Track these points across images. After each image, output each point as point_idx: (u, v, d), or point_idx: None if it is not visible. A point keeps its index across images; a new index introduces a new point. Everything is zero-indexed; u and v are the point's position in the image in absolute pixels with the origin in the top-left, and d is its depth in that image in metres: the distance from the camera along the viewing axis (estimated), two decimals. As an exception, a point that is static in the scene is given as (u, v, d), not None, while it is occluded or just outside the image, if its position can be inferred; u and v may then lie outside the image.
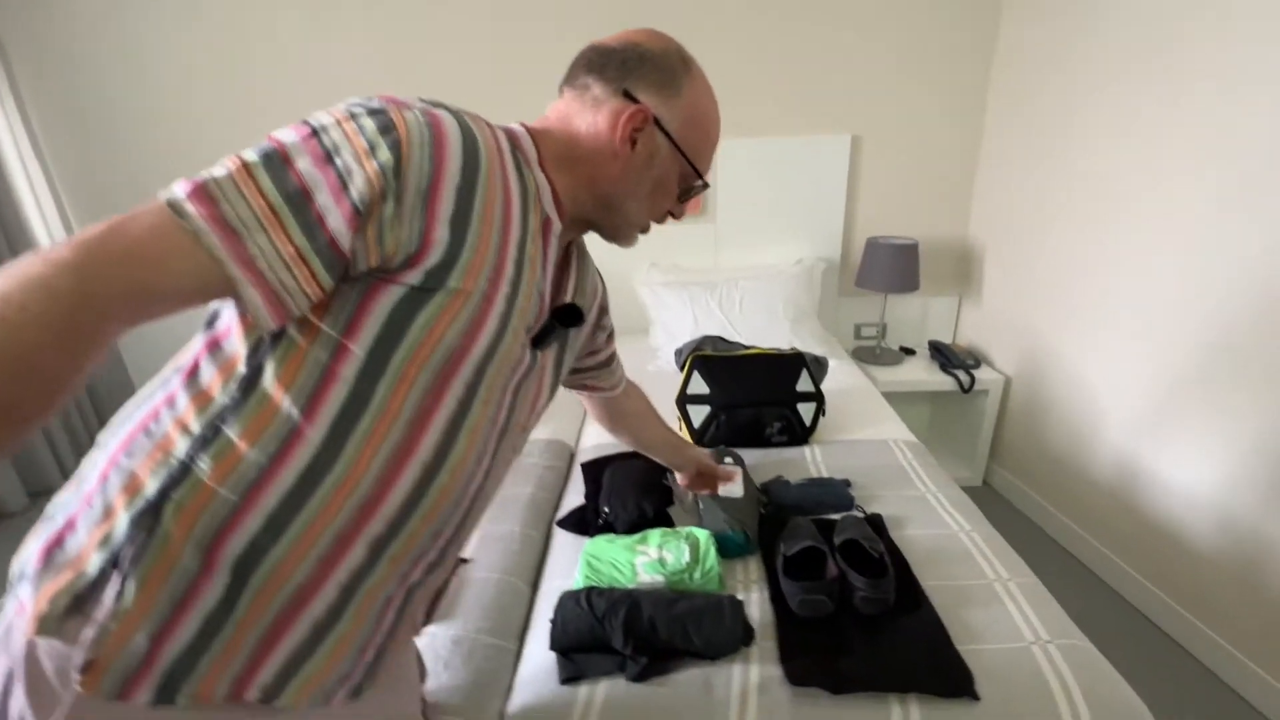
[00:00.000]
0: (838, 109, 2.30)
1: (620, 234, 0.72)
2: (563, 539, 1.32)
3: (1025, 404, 2.21)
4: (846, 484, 1.42)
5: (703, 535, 1.16)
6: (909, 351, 2.50)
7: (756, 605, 1.09)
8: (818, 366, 1.71)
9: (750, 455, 1.57)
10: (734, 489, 1.31)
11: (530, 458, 1.63)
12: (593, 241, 0.76)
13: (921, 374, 2.33)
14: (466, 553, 1.25)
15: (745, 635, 0.97)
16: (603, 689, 0.94)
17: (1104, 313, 1.86)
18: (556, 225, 0.64)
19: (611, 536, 1.20)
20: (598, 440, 1.71)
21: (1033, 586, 1.11)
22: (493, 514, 1.37)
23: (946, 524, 1.29)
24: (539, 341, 0.64)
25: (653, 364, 2.17)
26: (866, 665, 0.94)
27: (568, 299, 0.70)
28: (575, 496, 1.45)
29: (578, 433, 1.85)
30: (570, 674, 0.95)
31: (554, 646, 0.99)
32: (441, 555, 0.64)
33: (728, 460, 1.41)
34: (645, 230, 0.73)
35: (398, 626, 0.64)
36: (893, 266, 2.24)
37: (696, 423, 1.63)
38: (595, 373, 0.96)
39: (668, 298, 2.30)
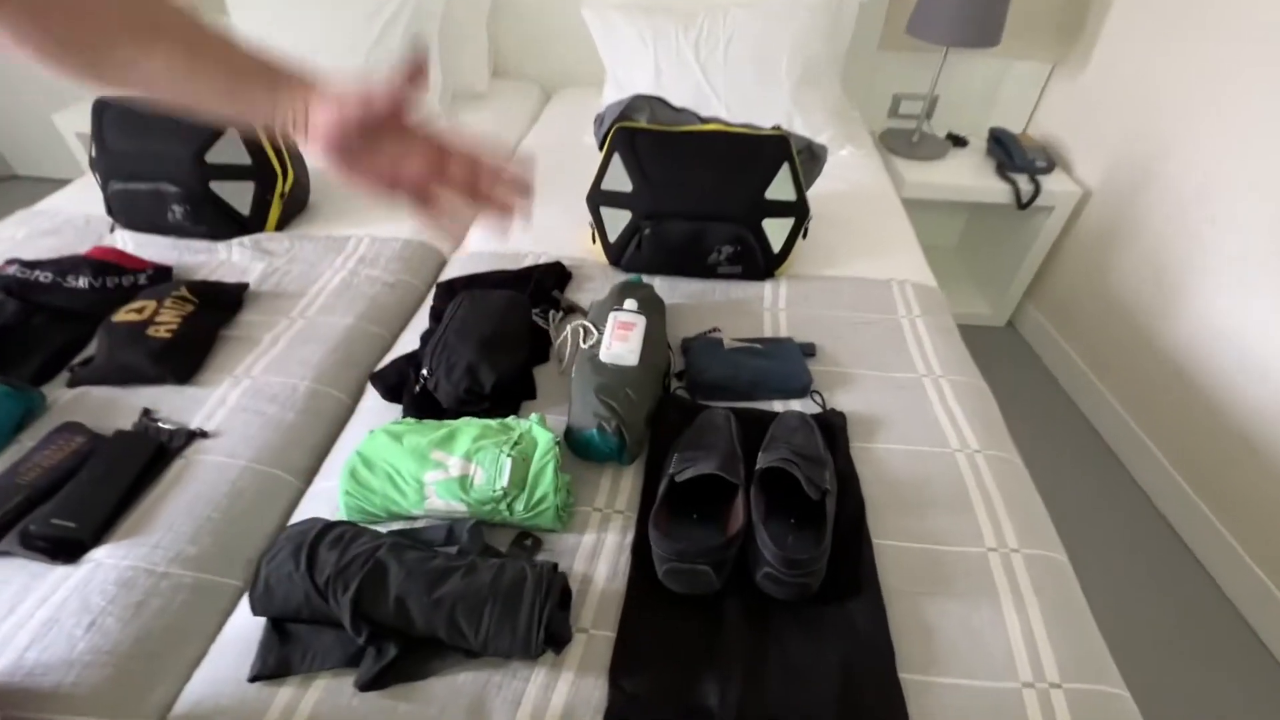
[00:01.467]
0: None
1: None
2: (373, 406, 0.90)
3: (1099, 231, 1.61)
4: (807, 352, 0.94)
5: (543, 439, 0.73)
6: (959, 141, 1.81)
7: (610, 555, 0.70)
8: (810, 161, 1.12)
9: (681, 292, 1.07)
10: (624, 353, 0.85)
11: (371, 268, 1.13)
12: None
13: (966, 176, 1.69)
14: (210, 424, 0.84)
15: (550, 639, 0.59)
16: (315, 695, 0.58)
17: (1261, 123, 1.17)
18: None
19: (408, 425, 0.76)
20: (496, 245, 1.20)
21: (1048, 563, 0.69)
22: (265, 358, 0.93)
23: (944, 437, 0.84)
24: None
25: (590, 136, 1.54)
26: (744, 699, 0.57)
27: None
28: (415, 338, 0.99)
29: (462, 233, 1.32)
30: (265, 669, 0.59)
31: (257, 612, 0.62)
32: None
33: (629, 304, 0.91)
34: None
35: None
36: (967, 3, 1.46)
37: (612, 235, 1.10)
38: None
39: (623, 31, 1.56)
